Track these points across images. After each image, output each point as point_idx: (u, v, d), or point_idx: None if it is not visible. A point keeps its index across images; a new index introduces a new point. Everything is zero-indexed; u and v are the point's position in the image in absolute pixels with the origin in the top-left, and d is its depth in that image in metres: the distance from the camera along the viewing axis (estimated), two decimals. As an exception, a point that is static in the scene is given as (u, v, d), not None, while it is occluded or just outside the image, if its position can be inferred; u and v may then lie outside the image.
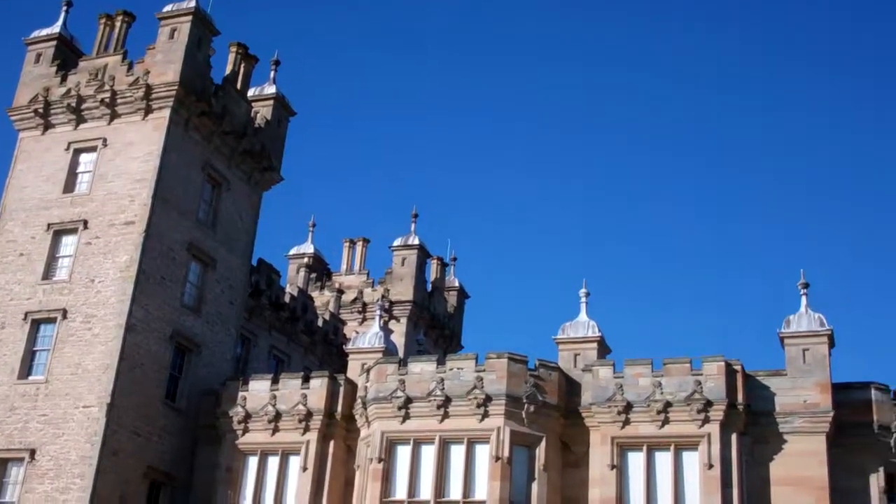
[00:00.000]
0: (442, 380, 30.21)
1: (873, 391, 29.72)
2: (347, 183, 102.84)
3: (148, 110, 35.90)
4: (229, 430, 33.37)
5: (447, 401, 29.93)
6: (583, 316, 32.70)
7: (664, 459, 28.49)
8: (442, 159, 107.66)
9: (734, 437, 28.18)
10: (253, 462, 32.85)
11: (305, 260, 52.16)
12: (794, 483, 27.97)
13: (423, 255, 50.34)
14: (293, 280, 49.87)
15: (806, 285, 31.26)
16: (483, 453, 29.32)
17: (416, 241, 49.92)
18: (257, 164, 39.72)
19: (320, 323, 45.79)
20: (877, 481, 28.89)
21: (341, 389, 32.92)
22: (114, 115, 36.56)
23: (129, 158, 35.57)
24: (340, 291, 49.90)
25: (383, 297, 45.75)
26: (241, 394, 33.58)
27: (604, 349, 31.96)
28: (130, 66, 36.93)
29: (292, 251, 53.31)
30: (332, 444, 32.41)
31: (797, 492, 27.86)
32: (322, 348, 45.31)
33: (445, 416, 29.99)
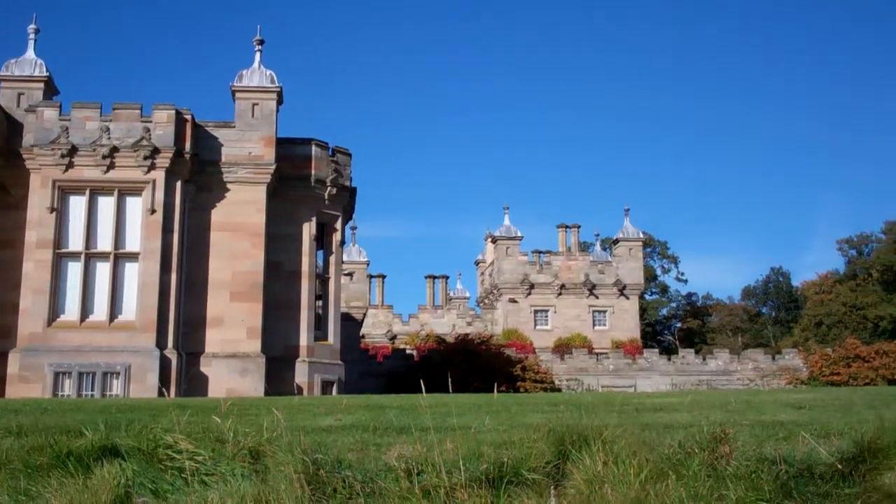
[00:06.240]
0: None
1: (314, 147, 31.92)
2: None
3: None
4: None
5: None
6: (30, 53, 30.71)
7: (107, 204, 28.37)
8: None
9: (179, 184, 28.76)
10: None
11: None
12: (233, 229, 29.53)
13: None
14: None
15: (261, 42, 32.01)
16: None
17: None
18: None
19: None
20: (309, 229, 31.48)
21: None
22: None
23: None
24: None
25: None
26: None
27: (51, 90, 30.44)
28: None
29: None
30: None
31: (235, 237, 29.49)
32: None
33: None
